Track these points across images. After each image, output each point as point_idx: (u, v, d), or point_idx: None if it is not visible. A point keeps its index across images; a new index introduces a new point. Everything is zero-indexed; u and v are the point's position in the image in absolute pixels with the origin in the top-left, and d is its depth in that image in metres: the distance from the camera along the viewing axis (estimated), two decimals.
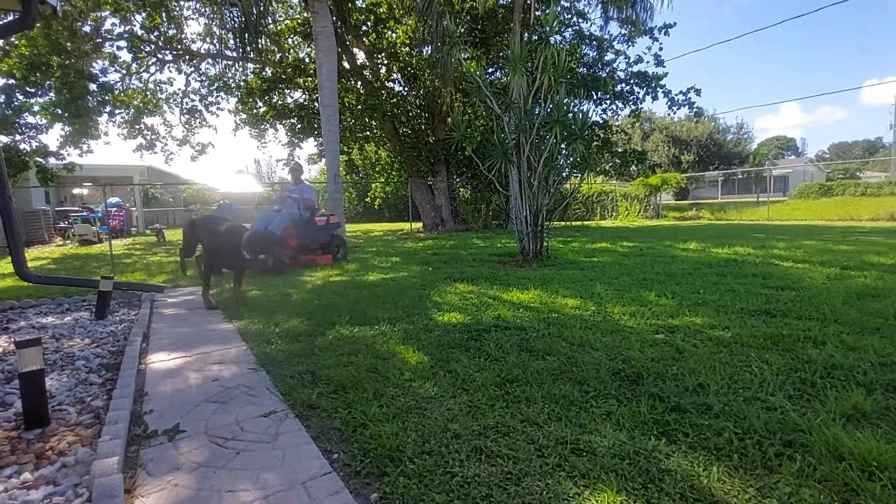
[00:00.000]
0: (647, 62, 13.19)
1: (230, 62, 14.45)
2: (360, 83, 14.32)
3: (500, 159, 6.08)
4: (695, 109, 13.34)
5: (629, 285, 4.21)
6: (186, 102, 15.16)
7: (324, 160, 10.68)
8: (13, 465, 1.55)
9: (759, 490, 1.31)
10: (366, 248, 9.61)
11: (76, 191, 21.35)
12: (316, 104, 12.92)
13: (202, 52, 14.17)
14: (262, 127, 15.63)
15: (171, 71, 15.85)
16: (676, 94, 13.04)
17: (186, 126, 15.55)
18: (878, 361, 2.14)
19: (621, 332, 2.74)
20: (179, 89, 15.23)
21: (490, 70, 13.29)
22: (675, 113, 14.24)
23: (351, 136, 14.49)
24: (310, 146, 19.24)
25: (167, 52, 13.77)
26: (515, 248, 6.49)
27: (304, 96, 15.21)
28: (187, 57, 14.06)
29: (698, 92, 12.92)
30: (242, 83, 15.24)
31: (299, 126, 14.91)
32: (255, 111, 15.09)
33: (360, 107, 13.61)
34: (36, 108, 10.83)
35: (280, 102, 15.08)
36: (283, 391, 2.12)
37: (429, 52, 14.17)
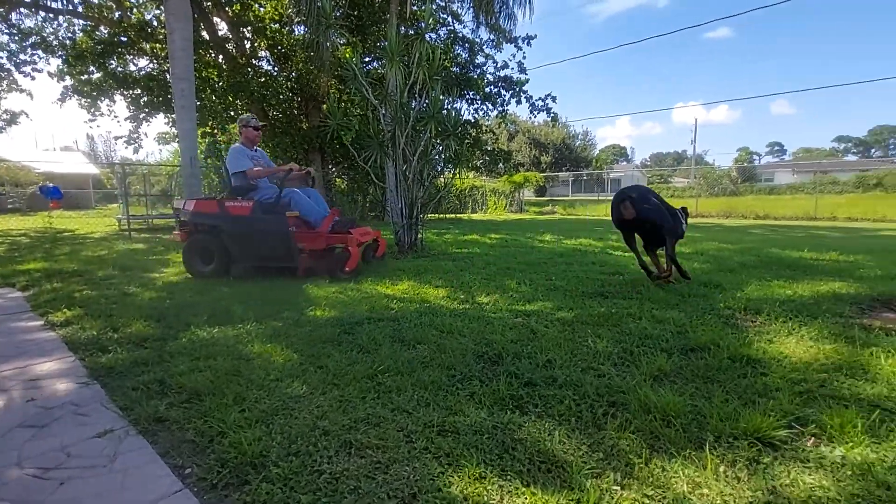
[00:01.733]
0: (512, 69, 14.27)
1: (51, 15, 11.75)
2: (222, 57, 12.86)
3: (377, 151, 6.05)
4: (552, 115, 14.83)
5: (494, 274, 4.56)
6: None
7: (177, 140, 9.38)
8: None
9: (590, 446, 1.55)
10: None
11: None
12: (168, 75, 11.25)
13: None
14: (95, 96, 13.02)
15: None
16: (537, 100, 14.34)
17: None
18: (677, 331, 2.67)
19: (486, 318, 2.97)
20: None
21: (367, 59, 13.04)
22: (535, 117, 15.68)
23: (213, 115, 12.94)
24: (159, 123, 16.67)
25: None
26: (391, 240, 6.54)
27: (151, 65, 13.10)
28: None
29: (554, 99, 14.38)
30: (69, 42, 12.52)
31: (146, 99, 12.82)
32: (86, 77, 12.53)
33: (222, 84, 12.23)
34: None
35: (121, 70, 12.76)
36: (124, 406, 1.85)
37: (300, 31, 13.36)
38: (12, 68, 12.34)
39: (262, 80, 12.49)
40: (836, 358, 2.20)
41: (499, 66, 14.36)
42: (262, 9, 13.22)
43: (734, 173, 27.60)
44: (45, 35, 12.35)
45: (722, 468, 1.41)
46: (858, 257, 5.26)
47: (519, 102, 14.32)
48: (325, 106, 12.20)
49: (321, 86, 10.57)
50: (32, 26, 12.22)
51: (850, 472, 1.37)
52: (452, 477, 1.39)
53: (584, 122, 76.50)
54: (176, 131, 11.29)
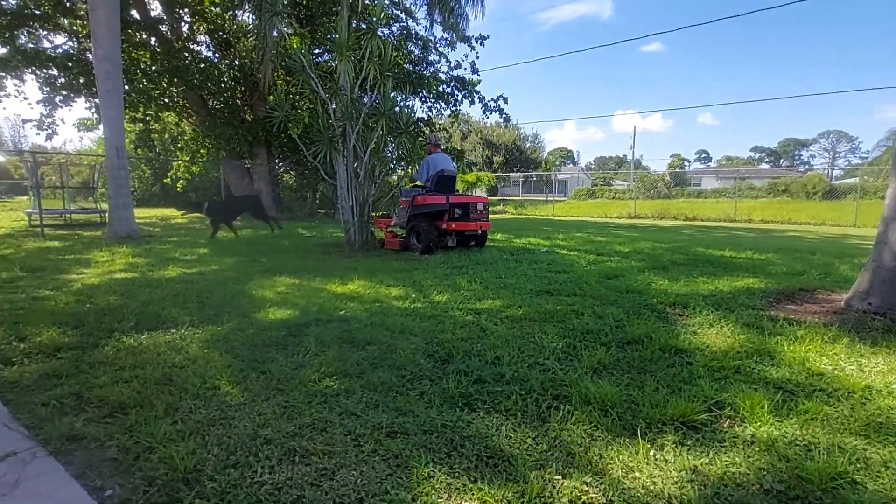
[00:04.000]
0: (465, 69, 14.38)
1: None
2: (155, 40, 11.94)
3: (326, 146, 5.87)
4: (504, 115, 15.12)
5: (446, 273, 4.58)
6: None
7: (101, 128, 8.60)
8: None
9: (535, 438, 1.59)
10: (164, 237, 8.17)
11: None
12: (90, 55, 10.26)
13: None
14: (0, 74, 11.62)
15: None
16: (489, 101, 14.56)
17: None
18: (615, 325, 2.81)
19: (437, 317, 2.97)
20: None
21: (316, 51, 12.63)
22: (488, 117, 15.90)
23: (148, 101, 11.97)
24: (80, 108, 15.14)
25: None
26: (342, 239, 6.38)
27: (71, 44, 11.91)
28: None
29: (506, 100, 14.66)
30: None
31: (63, 80, 11.64)
32: None
33: (155, 67, 11.35)
34: None
35: (32, 45, 11.49)
36: (31, 424, 1.66)
37: (244, 17, 12.70)
38: None
39: (202, 66, 11.75)
40: (748, 346, 2.43)
41: (452, 65, 14.42)
42: None
43: (668, 178, 29.49)
44: None
45: (652, 452, 1.51)
46: (769, 255, 5.80)
47: (472, 102, 14.48)
48: (270, 97, 11.67)
49: (266, 76, 10.09)
50: None
51: (757, 449, 1.53)
52: (401, 478, 1.37)
53: (533, 124, 78.95)
54: (99, 118, 10.34)
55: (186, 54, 11.76)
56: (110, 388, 1.88)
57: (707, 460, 1.46)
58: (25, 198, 18.86)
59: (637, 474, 1.39)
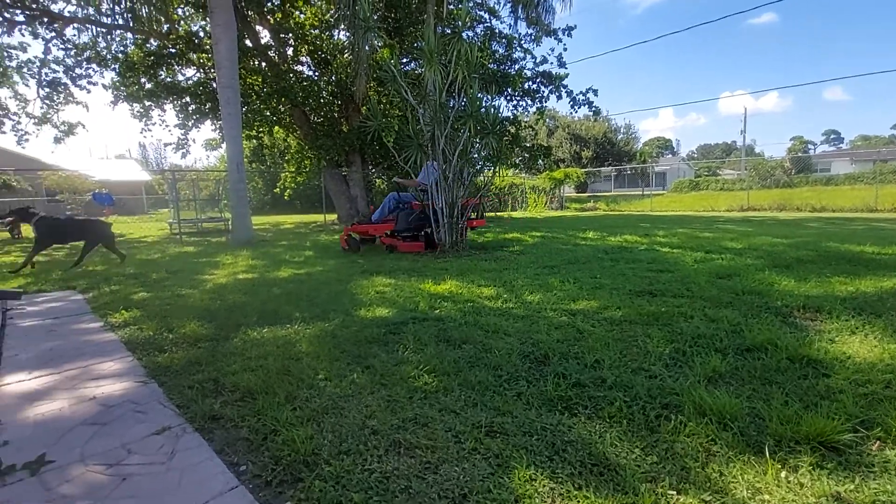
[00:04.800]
0: (552, 63, 13.99)
1: (104, 30, 12.56)
2: (265, 64, 13.34)
3: (416, 151, 6.09)
4: (593, 108, 14.45)
5: (538, 273, 4.48)
6: (46, 74, 12.86)
7: (224, 146, 9.82)
8: None
9: (643, 449, 1.49)
10: (276, 241, 9.08)
11: None
12: (214, 83, 11.78)
13: (65, 14, 12.08)
14: (147, 105, 13.82)
15: (23, 34, 13.21)
16: (577, 94, 14.01)
17: (47, 102, 13.19)
18: (731, 330, 2.53)
19: (531, 318, 2.92)
20: (36, 57, 12.74)
21: (404, 60, 13.16)
22: (576, 112, 15.31)
23: (261, 120, 13.44)
24: (206, 130, 17.56)
25: (17, 10, 11.46)
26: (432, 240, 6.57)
27: (198, 74, 13.78)
28: (45, 19, 11.88)
29: (595, 92, 14.00)
30: (121, 55, 13.36)
31: (193, 107, 13.50)
32: (137, 87, 13.33)
33: (266, 89, 12.68)
34: None
35: (170, 79, 13.49)
36: (180, 404, 1.94)
37: (339, 36, 13.65)
38: (69, 82, 13.19)
39: (304, 84, 12.87)
40: None
41: (538, 61, 14.12)
42: (302, 15, 13.62)
43: (787, 164, 25.91)
44: (98, 49, 13.17)
45: (783, 473, 1.34)
46: None
47: (559, 97, 14.06)
48: (364, 108, 12.40)
49: (360, 88, 10.75)
50: (87, 41, 13.08)
51: None
52: (502, 478, 1.37)
53: (625, 115, 74.29)
54: (221, 137, 11.83)
55: (291, 75, 12.95)
56: (240, 376, 2.14)
57: (852, 487, 1.27)
58: (166, 210, 22.20)
59: (766, 497, 1.25)
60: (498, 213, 18.29)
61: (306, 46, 13.66)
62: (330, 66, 13.64)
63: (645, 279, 3.95)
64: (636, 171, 34.41)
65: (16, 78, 12.67)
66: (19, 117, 12.95)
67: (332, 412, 1.79)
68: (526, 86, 13.82)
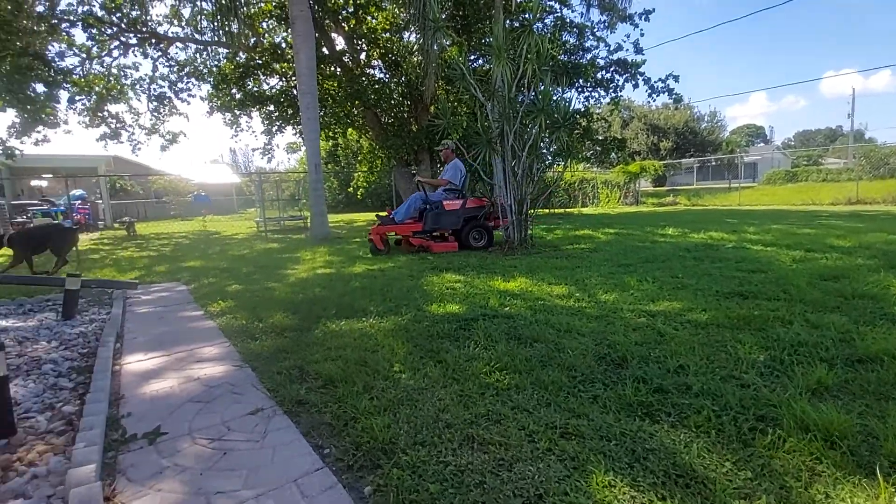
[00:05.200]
0: (627, 50, 13.27)
1: (200, 47, 13.94)
2: (339, 69, 14.03)
3: (485, 148, 6.08)
4: (674, 96, 13.51)
5: (612, 271, 4.29)
6: (154, 89, 14.54)
7: (303, 149, 10.49)
8: None
9: (735, 463, 1.38)
10: (350, 238, 9.53)
11: (34, 182, 20.40)
12: (294, 90, 12.61)
13: (170, 35, 13.61)
14: (237, 113, 15.15)
15: (136, 55, 15.08)
16: (656, 82, 13.17)
17: (155, 114, 14.94)
18: (839, 338, 2.26)
19: (606, 318, 2.81)
20: (146, 75, 14.47)
21: (472, 57, 13.17)
22: (654, 100, 14.42)
23: (336, 122, 14.20)
24: (288, 134, 18.81)
25: (131, 34, 13.14)
26: (501, 237, 6.53)
27: (280, 82, 14.83)
28: (153, 40, 13.45)
29: (676, 78, 13.08)
30: (215, 69, 14.75)
31: (276, 113, 14.55)
32: (229, 97, 14.64)
33: (340, 93, 13.35)
34: None
35: (256, 89, 14.67)
36: (270, 388, 2.11)
37: (409, 38, 13.97)
38: (172, 95, 14.87)
39: (376, 86, 13.36)
40: None
41: (611, 48, 13.46)
42: (374, 20, 14.12)
43: None
44: (196, 65, 14.66)
45: None
46: None
47: (636, 86, 13.33)
48: (433, 107, 12.60)
49: (429, 88, 10.93)
50: (187, 58, 14.60)
51: None
52: (579, 482, 1.33)
53: (710, 101, 68.55)
54: (301, 140, 12.63)
55: (364, 78, 13.50)
56: (322, 365, 2.28)
57: None
58: (253, 210, 24.19)
59: None
60: (567, 210, 17.73)
61: (378, 50, 14.15)
62: (400, 67, 14.02)
63: (734, 280, 3.63)
64: (722, 162, 31.51)
65: (130, 94, 14.48)
66: (133, 129, 14.79)
67: (407, 403, 1.85)
68: (599, 76, 13.22)
